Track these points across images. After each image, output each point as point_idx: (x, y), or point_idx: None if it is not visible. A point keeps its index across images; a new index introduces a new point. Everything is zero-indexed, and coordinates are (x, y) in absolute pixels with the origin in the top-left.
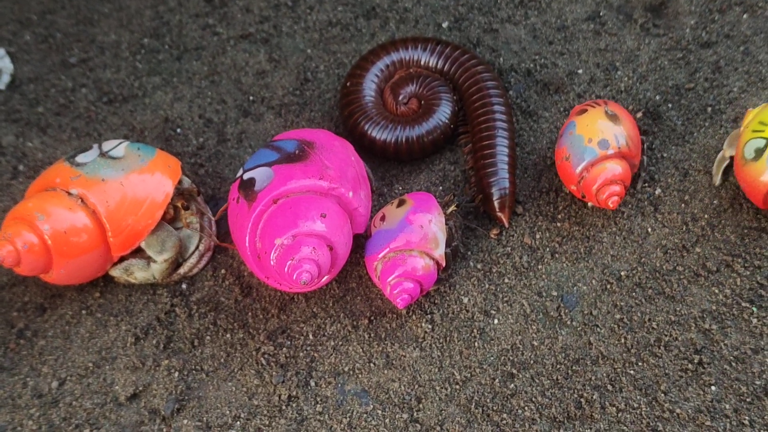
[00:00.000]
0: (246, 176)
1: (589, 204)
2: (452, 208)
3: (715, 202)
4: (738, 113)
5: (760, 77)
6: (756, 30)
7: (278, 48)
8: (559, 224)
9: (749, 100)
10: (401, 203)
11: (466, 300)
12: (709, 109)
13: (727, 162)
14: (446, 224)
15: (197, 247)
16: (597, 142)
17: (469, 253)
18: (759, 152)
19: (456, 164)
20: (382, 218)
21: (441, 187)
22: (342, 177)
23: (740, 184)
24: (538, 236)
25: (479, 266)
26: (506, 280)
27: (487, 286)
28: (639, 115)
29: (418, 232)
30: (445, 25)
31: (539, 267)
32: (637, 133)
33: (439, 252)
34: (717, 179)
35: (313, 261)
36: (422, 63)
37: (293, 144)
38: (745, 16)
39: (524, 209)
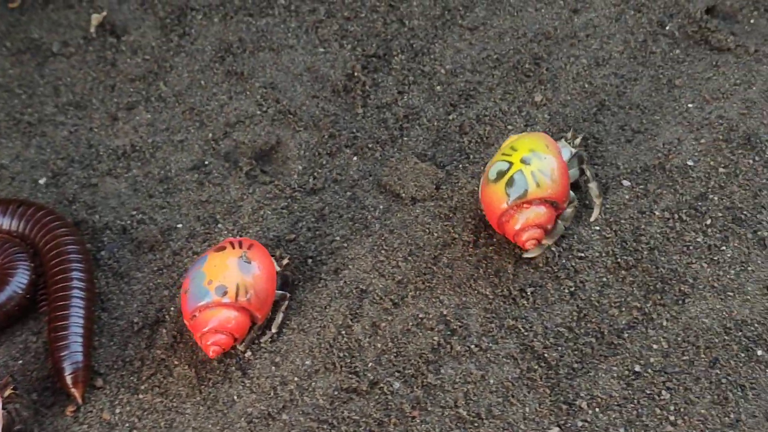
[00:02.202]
0: None
1: (176, 372)
2: (9, 391)
3: (307, 362)
4: (339, 264)
5: (365, 223)
6: (365, 173)
7: None
8: (141, 396)
9: (352, 249)
10: None
11: None
12: (310, 261)
13: None
14: (4, 408)
15: None
16: (216, 285)
17: None
18: (501, 174)
19: (39, 335)
20: None
21: (21, 361)
22: None
23: (482, 205)
24: (118, 411)
25: None
26: None
27: None
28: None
29: None
30: (42, 181)
31: None
32: (269, 289)
33: None
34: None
35: None
36: (2, 227)
37: None
38: (355, 158)
39: (105, 381)
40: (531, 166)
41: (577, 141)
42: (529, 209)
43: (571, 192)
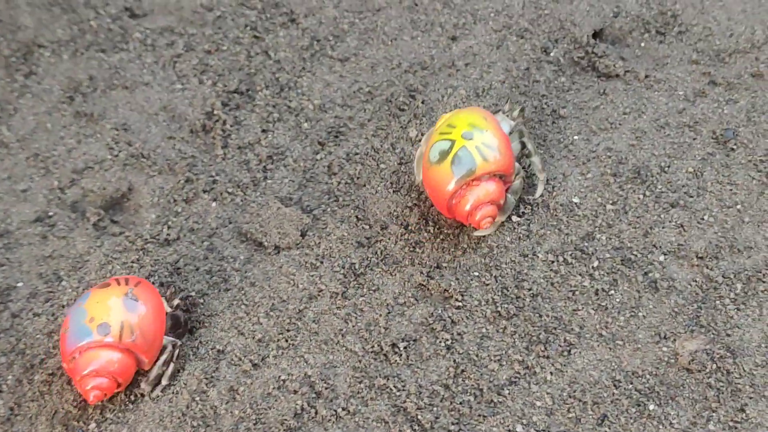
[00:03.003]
0: None
1: None
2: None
3: None
4: (193, 322)
5: (224, 276)
6: (224, 220)
7: None
8: None
9: (209, 305)
10: None
11: None
12: None
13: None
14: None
15: None
16: (98, 324)
17: None
18: (444, 154)
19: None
20: None
21: None
22: None
23: (426, 190)
24: None
25: None
26: None
27: None
28: None
29: None
30: None
31: None
32: (157, 330)
33: None
34: (418, 178)
35: None
36: None
37: None
38: (213, 204)
39: None
40: (474, 141)
41: (515, 113)
42: (479, 186)
43: (516, 163)
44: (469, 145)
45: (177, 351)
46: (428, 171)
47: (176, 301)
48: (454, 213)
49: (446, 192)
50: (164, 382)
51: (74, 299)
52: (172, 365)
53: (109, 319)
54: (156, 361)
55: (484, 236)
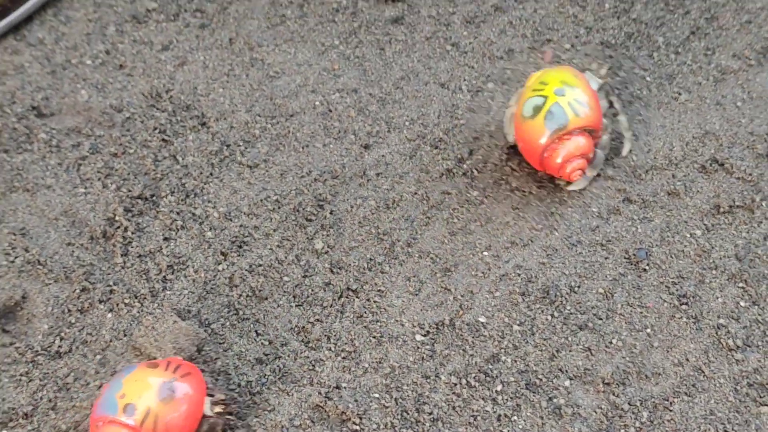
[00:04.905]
0: None
1: None
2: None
3: None
4: None
5: None
6: (119, 333)
7: None
8: None
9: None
10: None
11: None
12: None
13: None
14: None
15: None
16: (126, 403)
17: None
18: (537, 110)
19: None
20: None
21: None
22: None
23: (519, 144)
24: None
25: None
26: None
27: None
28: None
29: None
30: None
31: None
32: (185, 428)
33: None
34: (510, 137)
35: None
36: None
37: None
38: (109, 315)
39: None
40: (566, 97)
41: (603, 71)
42: (570, 140)
43: (604, 119)
44: (561, 101)
45: None
46: (521, 126)
47: (219, 408)
48: (545, 166)
49: (539, 146)
50: None
51: (123, 367)
52: None
53: (139, 402)
54: None
55: (577, 190)
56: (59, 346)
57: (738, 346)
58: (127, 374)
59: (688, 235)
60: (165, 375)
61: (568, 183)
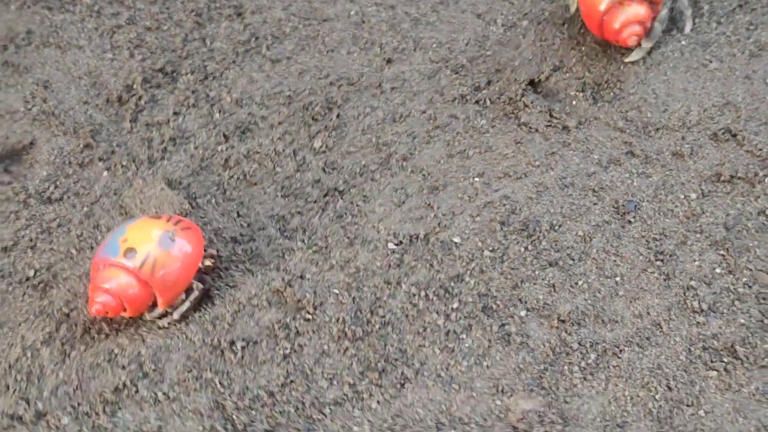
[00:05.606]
0: None
1: None
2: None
3: None
4: (49, 281)
5: (91, 242)
6: (110, 191)
7: None
8: None
9: (66, 263)
10: None
11: None
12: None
13: None
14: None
15: None
16: (128, 247)
17: None
18: None
19: None
20: None
21: None
22: None
23: (581, 9)
24: None
25: None
26: None
27: None
28: None
29: None
30: None
31: None
32: (181, 278)
33: None
34: (573, 7)
35: None
36: None
37: None
38: (105, 174)
39: None
40: None
41: None
42: (630, 6)
43: None
44: None
45: (198, 293)
46: None
47: (208, 262)
48: (604, 32)
49: (598, 11)
50: (175, 316)
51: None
52: (188, 303)
53: (140, 247)
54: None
55: (634, 61)
56: (52, 193)
57: (702, 310)
58: (131, 223)
59: (682, 197)
60: (166, 226)
61: (627, 54)
